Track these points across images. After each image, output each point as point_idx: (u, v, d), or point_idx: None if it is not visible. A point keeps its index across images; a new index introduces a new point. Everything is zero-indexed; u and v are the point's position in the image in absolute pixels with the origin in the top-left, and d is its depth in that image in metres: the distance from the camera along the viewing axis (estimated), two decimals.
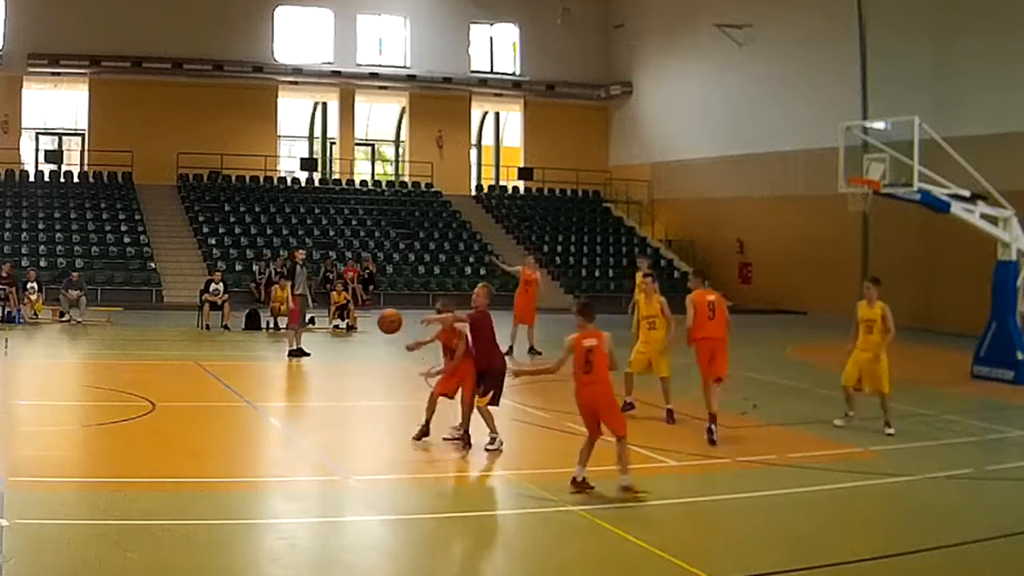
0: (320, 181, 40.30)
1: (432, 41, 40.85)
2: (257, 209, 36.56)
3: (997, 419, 14.63)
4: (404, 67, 40.68)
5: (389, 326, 11.82)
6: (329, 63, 39.74)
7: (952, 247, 25.86)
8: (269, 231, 35.25)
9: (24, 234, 32.44)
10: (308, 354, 19.18)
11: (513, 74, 42.57)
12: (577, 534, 8.50)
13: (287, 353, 19.29)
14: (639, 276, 20.24)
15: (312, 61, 39.59)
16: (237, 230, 34.98)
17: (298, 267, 19.87)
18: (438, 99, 41.11)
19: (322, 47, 39.96)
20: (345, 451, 12.10)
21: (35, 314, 24.75)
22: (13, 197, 34.48)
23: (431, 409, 11.56)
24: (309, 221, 36.56)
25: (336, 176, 40.98)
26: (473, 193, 41.87)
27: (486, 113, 44.72)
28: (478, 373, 11.35)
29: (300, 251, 21.13)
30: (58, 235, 32.82)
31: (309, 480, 10.40)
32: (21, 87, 36.84)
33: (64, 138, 39.46)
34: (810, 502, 9.89)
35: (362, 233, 36.49)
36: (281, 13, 39.31)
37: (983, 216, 18.61)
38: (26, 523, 8.02)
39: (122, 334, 23.25)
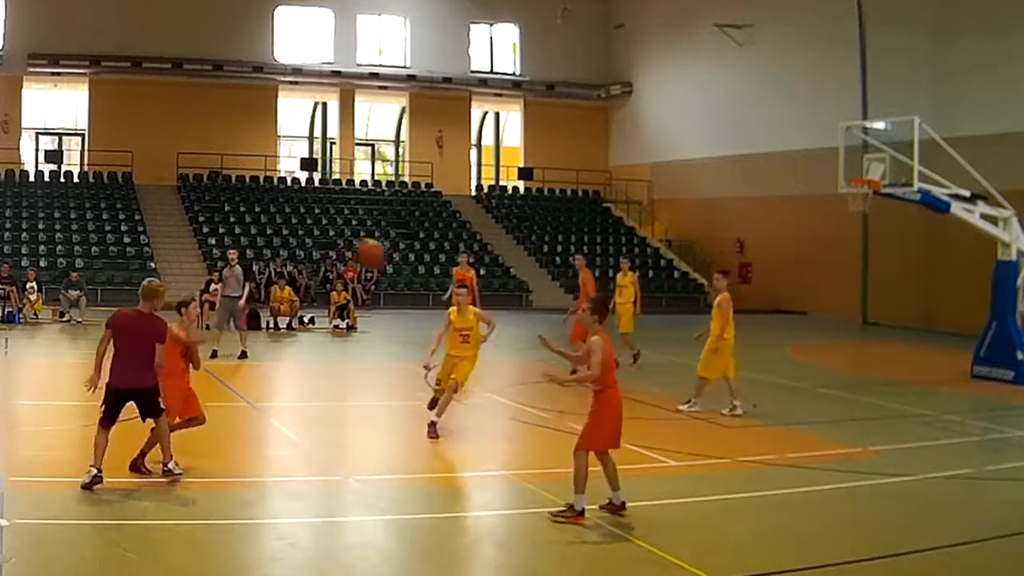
0: (320, 181, 40.31)
1: (432, 41, 40.85)
2: (257, 209, 36.56)
3: (997, 419, 14.63)
4: (404, 67, 40.68)
5: (372, 257, 10.17)
6: (329, 63, 39.74)
7: (952, 247, 25.86)
8: (269, 231, 35.26)
9: (24, 234, 32.43)
10: (214, 355, 17.71)
11: (513, 74, 42.57)
12: (577, 534, 8.49)
13: (210, 354, 17.48)
14: (619, 276, 19.67)
15: (312, 61, 39.59)
16: (237, 230, 34.98)
17: (226, 268, 18.52)
18: (438, 99, 41.11)
19: (322, 47, 39.97)
20: (345, 451, 12.10)
21: (35, 314, 24.75)
22: (13, 197, 34.47)
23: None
24: (309, 221, 36.56)
25: (336, 176, 40.98)
26: (473, 193, 41.87)
27: (486, 113, 44.72)
28: (117, 392, 9.38)
29: (233, 251, 19.70)
30: (58, 235, 32.82)
31: (309, 480, 10.40)
32: (21, 87, 36.84)
33: (64, 138, 39.46)
34: (810, 502, 9.89)
35: (362, 233, 36.46)
36: (281, 13, 39.31)
37: (983, 216, 18.61)
38: (26, 523, 8.02)
39: None
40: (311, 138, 43.06)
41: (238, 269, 18.78)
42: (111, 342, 9.47)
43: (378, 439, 12.85)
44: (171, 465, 9.64)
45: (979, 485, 10.80)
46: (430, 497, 9.93)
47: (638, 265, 37.34)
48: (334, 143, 41.85)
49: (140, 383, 9.39)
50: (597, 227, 40.19)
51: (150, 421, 9.79)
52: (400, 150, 43.56)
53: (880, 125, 22.50)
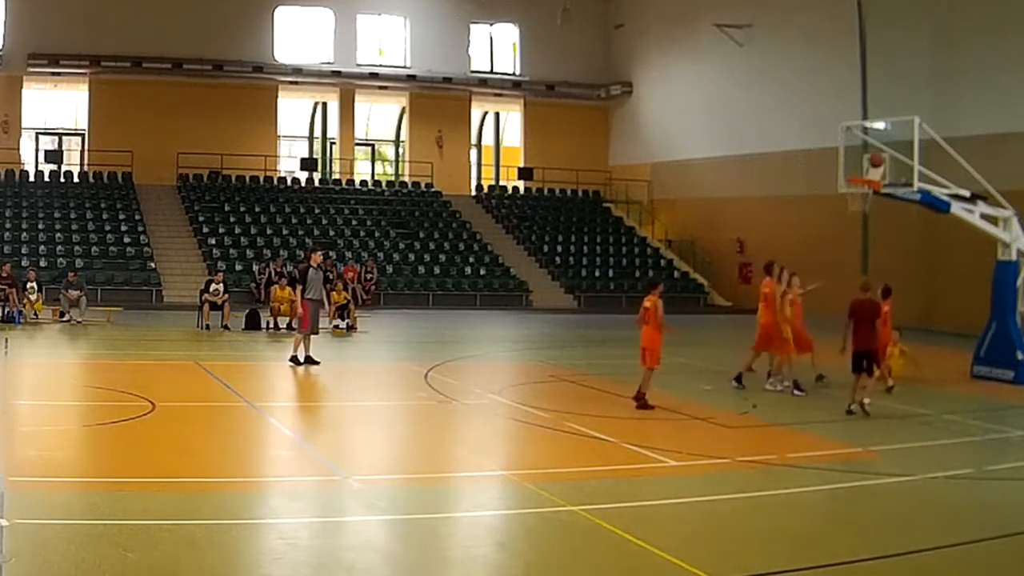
0: (320, 181, 40.31)
1: (432, 41, 40.86)
2: (257, 209, 36.56)
3: (997, 419, 14.63)
4: (404, 67, 40.69)
5: None
6: (329, 63, 39.74)
7: (952, 247, 25.85)
8: (269, 231, 35.27)
9: (24, 234, 32.44)
10: (317, 362, 18.11)
11: (513, 74, 42.57)
12: (577, 534, 8.49)
13: (289, 358, 18.12)
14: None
15: (312, 61, 39.60)
16: (237, 230, 34.99)
17: (311, 270, 18.65)
18: (438, 99, 41.11)
19: (322, 47, 39.97)
20: (345, 451, 12.09)
21: (35, 314, 24.74)
22: (13, 197, 34.49)
23: None
24: (309, 221, 36.57)
25: (336, 176, 40.99)
26: (473, 193, 41.87)
27: (486, 113, 44.72)
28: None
29: (318, 253, 19.17)
30: (58, 235, 32.82)
31: (309, 480, 10.40)
32: (21, 87, 36.86)
33: (64, 138, 39.47)
34: (810, 502, 9.89)
35: (362, 233, 36.49)
36: (281, 13, 39.31)
37: (983, 216, 18.60)
38: (26, 523, 8.01)
39: (122, 334, 23.24)
40: (311, 138, 43.06)
41: (320, 274, 18.61)
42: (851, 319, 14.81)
43: (378, 439, 12.85)
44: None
45: (979, 485, 10.79)
46: (430, 497, 9.92)
47: (637, 265, 37.41)
48: (334, 143, 41.86)
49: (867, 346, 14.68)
50: (597, 227, 40.18)
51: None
52: (400, 150, 43.56)
53: (880, 125, 22.50)
